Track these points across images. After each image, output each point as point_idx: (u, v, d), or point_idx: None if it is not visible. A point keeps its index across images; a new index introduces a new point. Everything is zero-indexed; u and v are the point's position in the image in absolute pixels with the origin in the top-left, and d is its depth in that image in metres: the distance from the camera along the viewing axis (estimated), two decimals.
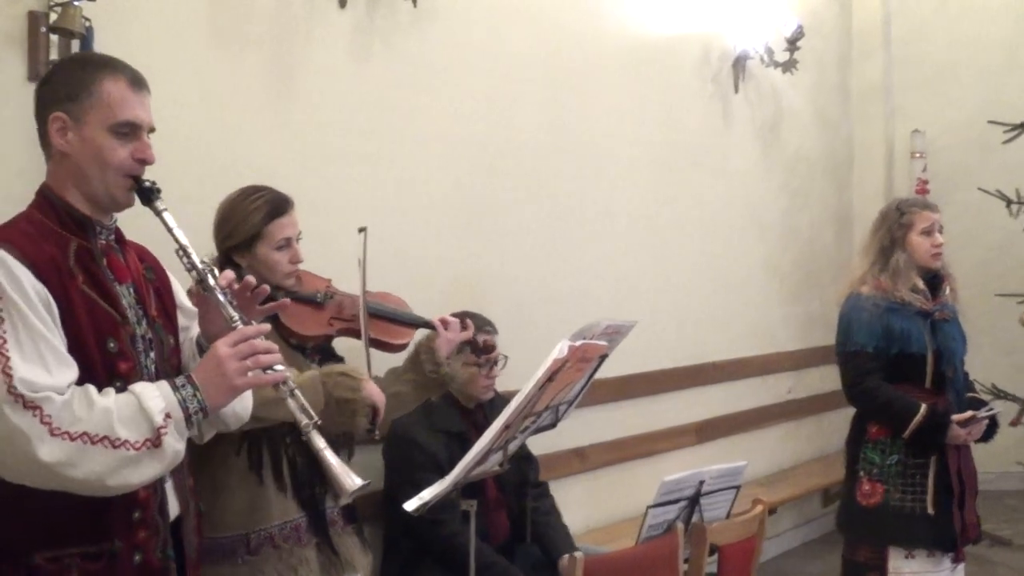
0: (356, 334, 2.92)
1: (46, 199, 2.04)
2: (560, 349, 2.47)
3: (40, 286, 1.89)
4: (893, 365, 3.67)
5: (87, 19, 2.84)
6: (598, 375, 2.91)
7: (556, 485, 4.07)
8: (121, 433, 1.87)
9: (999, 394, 5.86)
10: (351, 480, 2.10)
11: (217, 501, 2.67)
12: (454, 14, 4.12)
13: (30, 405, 1.81)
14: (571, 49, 4.71)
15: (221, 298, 2.08)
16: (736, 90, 5.83)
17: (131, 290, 2.09)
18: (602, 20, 4.92)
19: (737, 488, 3.64)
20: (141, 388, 1.95)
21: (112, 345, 1.99)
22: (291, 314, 2.79)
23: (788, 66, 5.91)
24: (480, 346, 3.26)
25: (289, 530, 2.75)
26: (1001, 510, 6.42)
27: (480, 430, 2.72)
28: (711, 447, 5.55)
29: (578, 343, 2.54)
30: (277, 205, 2.82)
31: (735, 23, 5.72)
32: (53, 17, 2.83)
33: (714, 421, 5.66)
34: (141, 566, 2.01)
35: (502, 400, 3.23)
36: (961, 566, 3.76)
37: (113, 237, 2.12)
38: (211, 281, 2.08)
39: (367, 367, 2.85)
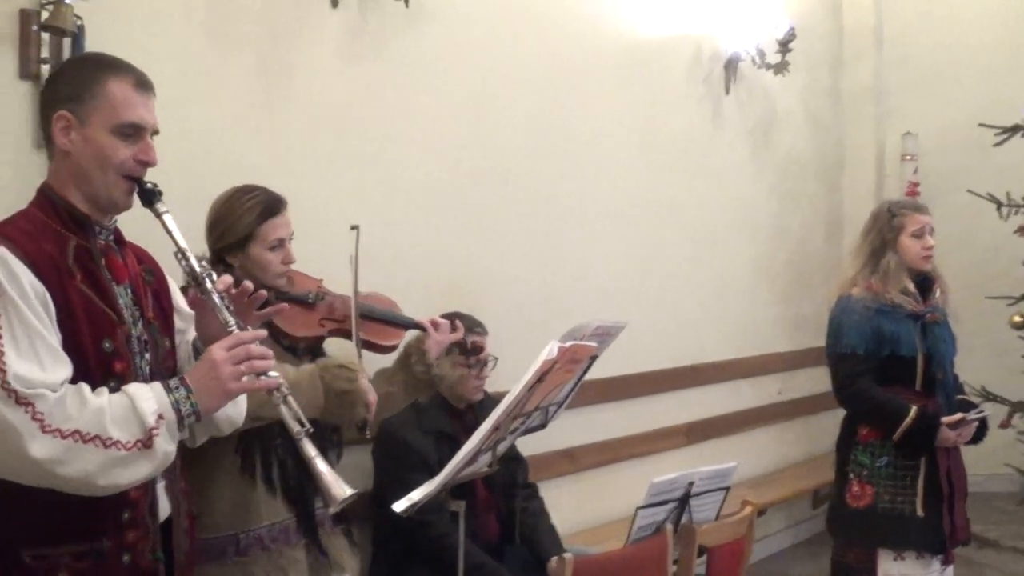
0: (347, 335, 2.91)
1: (47, 198, 2.04)
2: (550, 350, 2.47)
3: (38, 284, 1.89)
4: (883, 367, 3.68)
5: (79, 17, 2.83)
6: (588, 376, 2.91)
7: (545, 486, 4.07)
8: (113, 433, 1.87)
9: (989, 396, 5.87)
10: (342, 490, 2.09)
11: (206, 502, 2.66)
12: (447, 14, 4.11)
13: (23, 401, 1.80)
14: (562, 50, 4.71)
15: (218, 302, 2.08)
16: (727, 92, 5.83)
17: (128, 291, 2.09)
18: (594, 21, 4.92)
19: (727, 489, 3.64)
20: (135, 389, 1.95)
21: (108, 345, 1.98)
22: (282, 315, 2.78)
23: (780, 68, 5.92)
24: (469, 347, 3.26)
25: (278, 531, 2.75)
26: (990, 512, 6.42)
27: (470, 431, 2.72)
28: (701, 448, 5.55)
29: (568, 344, 2.53)
30: (270, 205, 2.81)
31: (727, 25, 5.73)
32: (45, 15, 2.82)
33: (704, 422, 5.66)
34: (130, 566, 2.01)
35: (492, 401, 3.23)
36: (951, 568, 3.78)
37: (112, 237, 2.12)
38: (209, 285, 2.08)
39: None
